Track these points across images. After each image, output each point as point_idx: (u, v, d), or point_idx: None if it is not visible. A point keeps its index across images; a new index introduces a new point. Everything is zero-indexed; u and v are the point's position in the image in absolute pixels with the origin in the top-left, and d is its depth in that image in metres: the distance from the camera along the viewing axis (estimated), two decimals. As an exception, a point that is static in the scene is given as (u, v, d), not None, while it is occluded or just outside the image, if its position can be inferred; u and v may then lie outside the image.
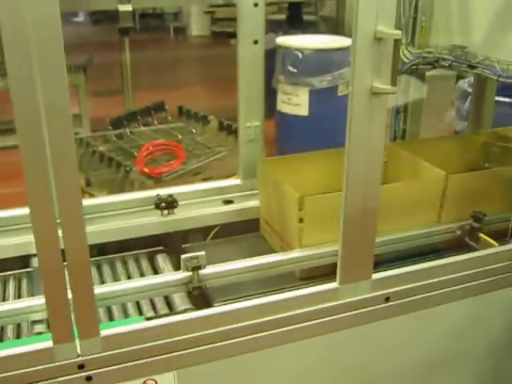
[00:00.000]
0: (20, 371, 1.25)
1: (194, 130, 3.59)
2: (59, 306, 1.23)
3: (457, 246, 1.81)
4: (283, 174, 1.80)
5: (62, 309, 1.23)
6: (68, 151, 1.13)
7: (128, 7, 3.10)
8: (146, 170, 3.07)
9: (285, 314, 1.46)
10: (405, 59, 2.13)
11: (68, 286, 1.23)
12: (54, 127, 1.09)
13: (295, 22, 6.59)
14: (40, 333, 1.48)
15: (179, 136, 3.40)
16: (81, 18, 9.63)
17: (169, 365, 1.38)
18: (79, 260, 1.21)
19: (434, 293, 1.60)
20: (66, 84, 1.08)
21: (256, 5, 1.91)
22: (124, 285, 1.55)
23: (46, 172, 1.12)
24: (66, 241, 1.19)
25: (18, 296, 1.70)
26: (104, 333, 1.30)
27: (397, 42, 1.27)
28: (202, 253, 1.51)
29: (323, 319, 1.50)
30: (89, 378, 1.31)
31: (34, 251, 1.68)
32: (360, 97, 1.29)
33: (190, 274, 1.52)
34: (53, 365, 1.27)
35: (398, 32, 1.26)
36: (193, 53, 8.78)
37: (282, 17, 6.82)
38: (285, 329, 1.47)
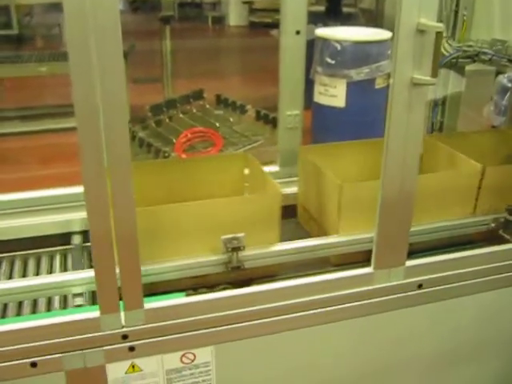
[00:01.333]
0: (68, 338, 1.32)
1: (231, 119, 3.63)
2: (107, 279, 1.29)
3: (491, 238, 1.83)
4: (322, 161, 1.83)
5: (109, 281, 1.30)
6: (121, 134, 1.18)
7: (170, -4, 3.17)
8: (183, 156, 3.13)
9: (320, 296, 1.50)
10: (445, 52, 2.15)
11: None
12: (109, 111, 1.15)
13: (334, 14, 6.57)
14: (80, 305, 1.54)
15: (217, 124, 3.45)
16: (120, 6, 9.75)
17: (207, 339, 1.44)
18: (128, 236, 1.27)
19: (465, 282, 1.63)
20: (122, 69, 1.14)
21: (299, -4, 1.95)
22: (166, 263, 1.61)
23: (100, 153, 1.17)
24: (117, 218, 1.25)
25: (65, 270, 1.79)
26: (147, 306, 1.36)
27: (438, 34, 1.29)
28: (242, 234, 1.56)
29: (357, 303, 1.54)
30: (132, 349, 1.38)
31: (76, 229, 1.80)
32: (400, 87, 1.33)
33: (229, 254, 1.58)
34: (99, 334, 1.34)
35: (440, 25, 1.29)
36: (231, 43, 8.81)
37: (321, 8, 6.81)
38: (319, 310, 1.51)
